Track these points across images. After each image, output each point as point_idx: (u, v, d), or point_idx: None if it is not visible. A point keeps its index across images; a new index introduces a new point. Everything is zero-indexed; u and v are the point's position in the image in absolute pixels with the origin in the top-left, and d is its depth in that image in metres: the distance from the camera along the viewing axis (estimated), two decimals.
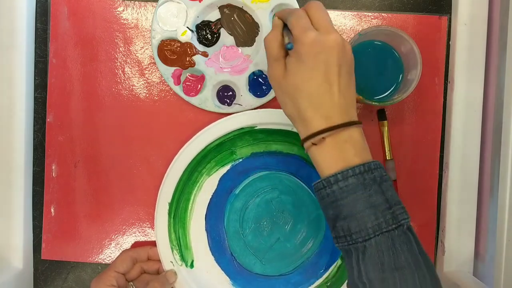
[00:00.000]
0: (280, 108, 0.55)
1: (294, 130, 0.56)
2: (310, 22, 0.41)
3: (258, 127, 0.56)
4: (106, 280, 0.51)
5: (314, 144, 0.41)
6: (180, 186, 0.56)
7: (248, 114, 0.55)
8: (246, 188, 0.58)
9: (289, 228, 0.58)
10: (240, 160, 0.57)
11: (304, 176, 0.58)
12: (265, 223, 0.58)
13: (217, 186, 0.58)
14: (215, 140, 0.56)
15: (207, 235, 0.58)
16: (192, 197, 0.57)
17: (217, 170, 0.57)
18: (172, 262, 0.56)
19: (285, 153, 0.57)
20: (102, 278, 0.52)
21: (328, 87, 0.40)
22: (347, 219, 0.39)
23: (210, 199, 0.58)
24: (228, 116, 0.56)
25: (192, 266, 0.57)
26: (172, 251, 0.56)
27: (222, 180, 0.58)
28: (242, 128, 0.56)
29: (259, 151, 0.57)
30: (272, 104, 0.58)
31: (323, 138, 0.40)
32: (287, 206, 0.57)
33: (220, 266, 0.58)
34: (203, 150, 0.56)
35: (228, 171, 0.57)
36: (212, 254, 0.58)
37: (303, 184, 0.58)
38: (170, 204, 0.56)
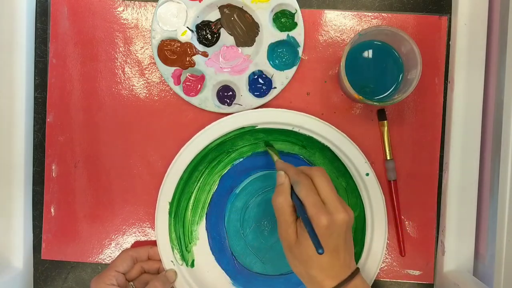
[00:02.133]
0: (281, 107, 0.56)
1: (295, 130, 0.56)
2: (319, 197, 0.44)
3: (259, 126, 0.56)
4: (106, 279, 0.51)
5: None
6: (180, 186, 0.56)
7: (248, 114, 0.56)
8: (246, 188, 0.58)
9: None
10: (241, 159, 0.57)
11: None
12: (265, 222, 0.58)
13: (217, 186, 0.58)
14: (216, 140, 0.56)
15: (208, 235, 0.58)
16: (192, 197, 0.57)
17: (217, 169, 0.57)
18: (172, 262, 0.56)
19: (286, 152, 0.57)
20: (102, 277, 0.52)
21: (337, 254, 0.45)
22: None
23: (211, 198, 0.58)
24: (229, 116, 0.56)
25: (192, 265, 0.57)
26: (173, 250, 0.56)
27: (222, 179, 0.58)
28: (242, 128, 0.56)
29: (260, 150, 0.57)
30: (273, 104, 0.58)
31: None
32: None
33: (220, 266, 0.58)
34: (203, 149, 0.56)
35: (228, 170, 0.57)
36: (213, 254, 0.58)
37: None
38: (171, 204, 0.56)
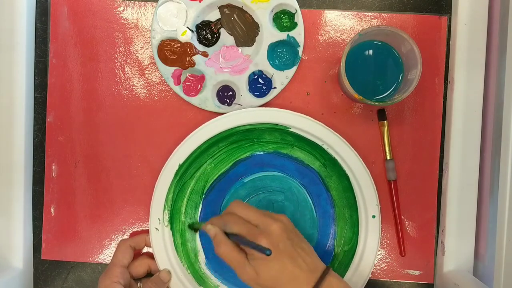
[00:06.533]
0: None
1: (324, 147, 0.56)
2: (250, 224, 0.47)
3: (291, 129, 0.56)
4: (113, 277, 0.52)
5: None
6: (195, 153, 0.56)
7: (287, 113, 0.55)
8: (255, 181, 0.58)
9: None
10: (261, 152, 0.57)
11: (314, 193, 0.57)
12: None
13: (229, 168, 0.57)
14: (247, 125, 0.56)
15: (201, 208, 0.58)
16: (202, 168, 0.57)
17: (235, 153, 0.57)
18: (159, 220, 0.56)
19: (305, 164, 0.57)
20: (108, 274, 0.52)
21: (296, 264, 0.46)
22: None
23: (218, 177, 0.57)
24: (269, 108, 0.56)
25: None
26: (164, 209, 0.56)
27: (237, 163, 0.57)
28: (276, 124, 0.56)
29: (282, 152, 0.57)
30: (273, 104, 0.58)
31: None
32: (286, 213, 0.55)
33: (201, 241, 0.57)
34: (232, 128, 0.56)
35: (246, 157, 0.57)
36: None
37: (309, 199, 0.57)
38: (180, 166, 0.56)
